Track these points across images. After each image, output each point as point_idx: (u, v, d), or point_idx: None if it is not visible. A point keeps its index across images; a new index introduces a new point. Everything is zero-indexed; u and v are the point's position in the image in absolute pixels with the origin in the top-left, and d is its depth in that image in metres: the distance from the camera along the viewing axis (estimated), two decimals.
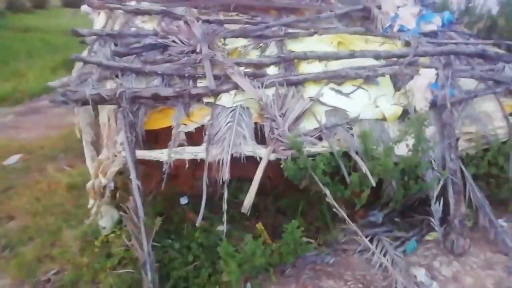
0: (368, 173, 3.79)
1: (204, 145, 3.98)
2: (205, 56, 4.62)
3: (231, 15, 6.50)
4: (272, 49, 5.36)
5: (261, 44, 5.35)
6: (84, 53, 5.10)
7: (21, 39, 30.97)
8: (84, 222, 4.76)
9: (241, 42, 5.44)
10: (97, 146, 4.75)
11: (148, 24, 5.90)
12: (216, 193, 4.66)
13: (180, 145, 4.02)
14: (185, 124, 4.15)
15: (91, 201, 4.56)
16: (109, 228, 4.53)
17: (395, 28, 5.94)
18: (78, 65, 4.94)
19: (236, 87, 4.36)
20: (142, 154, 3.89)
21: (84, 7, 6.40)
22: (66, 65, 21.00)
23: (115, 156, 3.95)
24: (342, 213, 3.86)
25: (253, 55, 5.17)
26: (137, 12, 6.08)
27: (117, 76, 4.60)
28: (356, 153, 3.99)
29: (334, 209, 4.06)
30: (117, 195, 4.83)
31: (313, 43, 5.53)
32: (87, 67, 4.77)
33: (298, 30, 5.87)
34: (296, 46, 5.41)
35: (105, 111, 4.51)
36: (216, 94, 4.33)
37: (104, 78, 4.61)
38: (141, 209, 3.61)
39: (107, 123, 4.44)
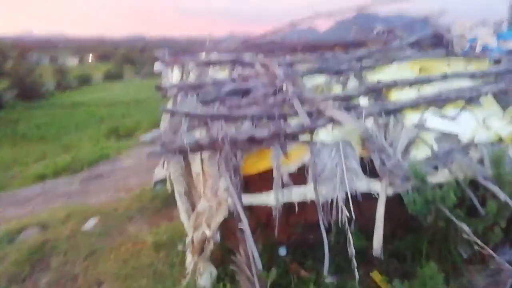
0: (510, 201, 3.31)
1: (311, 185, 3.68)
2: (293, 94, 4.47)
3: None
4: (353, 82, 5.16)
5: (341, 78, 5.17)
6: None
7: (69, 114, 33.26)
8: (180, 283, 4.46)
9: (318, 79, 5.30)
10: (189, 198, 4.58)
11: (220, 73, 5.95)
12: (316, 239, 4.30)
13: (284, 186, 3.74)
14: (285, 165, 3.89)
15: (189, 258, 4.29)
16: (209, 287, 4.20)
17: (478, 49, 5.62)
18: (166, 117, 4.93)
19: (331, 121, 4.13)
20: (248, 199, 3.63)
21: (157, 65, 6.60)
22: (113, 133, 22.13)
23: (220, 204, 3.71)
24: (489, 251, 3.34)
25: (336, 90, 4.98)
26: (209, 63, 6.17)
27: (206, 124, 4.51)
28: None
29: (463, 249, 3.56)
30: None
31: (392, 72, 5.30)
32: (175, 118, 4.74)
33: (373, 61, 5.69)
34: (375, 76, 5.20)
35: (197, 160, 4.37)
36: (312, 130, 4.10)
37: (193, 127, 4.54)
38: (258, 260, 3.28)
39: (201, 172, 4.28)
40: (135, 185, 9.77)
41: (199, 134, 4.36)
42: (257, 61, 5.81)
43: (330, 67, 5.46)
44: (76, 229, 6.82)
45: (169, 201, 7.09)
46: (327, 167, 3.74)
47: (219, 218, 3.68)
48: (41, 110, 34.45)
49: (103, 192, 9.67)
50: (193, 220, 4.11)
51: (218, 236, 3.70)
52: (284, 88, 4.60)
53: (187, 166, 4.63)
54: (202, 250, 4.18)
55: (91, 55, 78.16)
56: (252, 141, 4.07)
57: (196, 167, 4.39)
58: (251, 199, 3.66)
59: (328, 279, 4.14)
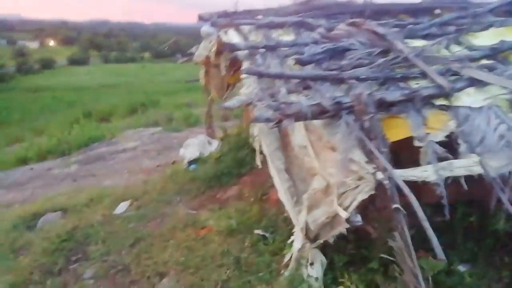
0: None
1: (475, 157, 3.05)
2: (412, 53, 3.82)
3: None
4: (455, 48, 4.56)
5: (443, 42, 4.55)
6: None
7: (33, 98, 31.38)
8: (280, 273, 3.76)
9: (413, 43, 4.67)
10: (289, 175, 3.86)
11: (285, 37, 5.20)
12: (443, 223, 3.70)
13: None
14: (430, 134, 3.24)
15: (296, 244, 3.59)
16: (321, 279, 3.53)
17: None
18: (248, 81, 4.14)
19: (472, 84, 3.52)
20: (402, 174, 2.95)
21: (206, 28, 5.73)
22: (87, 117, 20.80)
23: (360, 180, 3.02)
24: None
25: (444, 53, 4.36)
26: (270, 26, 5.40)
27: (306, 88, 3.80)
28: None
29: None
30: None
31: (490, 37, 4.75)
32: (263, 81, 3.99)
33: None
34: (474, 42, 4.65)
35: (301, 130, 3.65)
36: (451, 94, 3.47)
37: (289, 91, 3.80)
38: (439, 248, 2.62)
39: (309, 143, 3.57)
40: (151, 166, 8.86)
41: (299, 99, 3.63)
42: (342, 21, 5.10)
43: (420, 31, 4.86)
44: (108, 213, 5.94)
45: (211, 183, 6.32)
46: (489, 135, 3.12)
47: (361, 196, 2.99)
48: (1, 93, 32.23)
49: (115, 175, 8.70)
50: (308, 200, 3.42)
51: (360, 219, 3.02)
52: (398, 47, 3.93)
53: (283, 138, 3.91)
54: (316, 236, 3.51)
55: (52, 39, 74.08)
56: (381, 105, 3.39)
57: (298, 138, 3.67)
58: (406, 173, 2.98)
59: (461, 267, 3.59)
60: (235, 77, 7.91)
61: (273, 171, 3.84)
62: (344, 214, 3.04)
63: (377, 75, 3.72)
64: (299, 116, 3.25)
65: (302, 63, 4.03)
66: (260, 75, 3.97)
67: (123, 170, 8.99)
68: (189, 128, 13.62)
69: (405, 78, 3.70)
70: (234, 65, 7.44)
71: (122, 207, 6.11)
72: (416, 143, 3.20)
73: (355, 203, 3.02)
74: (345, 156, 3.15)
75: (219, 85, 8.15)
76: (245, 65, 4.49)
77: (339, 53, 4.26)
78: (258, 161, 4.08)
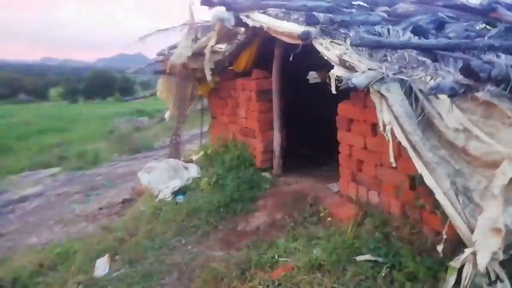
0: None
1: None
2: None
3: None
4: None
5: None
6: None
7: None
8: None
9: None
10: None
11: None
12: None
13: None
14: None
15: (482, 259, 2.61)
16: None
17: None
18: (351, 58, 3.11)
19: None
20: None
21: (219, 12, 4.45)
22: None
23: None
24: None
25: None
26: (303, 10, 4.49)
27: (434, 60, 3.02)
28: None
29: None
30: None
31: None
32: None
33: None
34: None
35: (452, 110, 2.80)
36: None
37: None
38: None
39: (471, 125, 2.73)
40: (90, 211, 6.62)
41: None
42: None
43: None
44: (86, 279, 3.95)
45: (221, 214, 4.81)
46: None
47: None
48: None
49: (37, 229, 6.27)
50: (503, 194, 2.54)
51: None
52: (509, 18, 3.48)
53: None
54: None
55: None
56: None
57: (451, 120, 2.79)
58: None
59: None
60: (204, 87, 6.63)
61: (420, 167, 2.84)
62: None
63: (509, 44, 3.16)
64: (499, 80, 2.41)
65: (417, 33, 3.25)
66: (378, 46, 3.02)
67: (45, 221, 6.52)
68: (103, 164, 11.18)
69: None
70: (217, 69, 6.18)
71: (102, 267, 4.12)
72: None
73: None
74: None
75: (182, 98, 6.71)
76: (321, 42, 3.46)
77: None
78: (392, 158, 3.02)
